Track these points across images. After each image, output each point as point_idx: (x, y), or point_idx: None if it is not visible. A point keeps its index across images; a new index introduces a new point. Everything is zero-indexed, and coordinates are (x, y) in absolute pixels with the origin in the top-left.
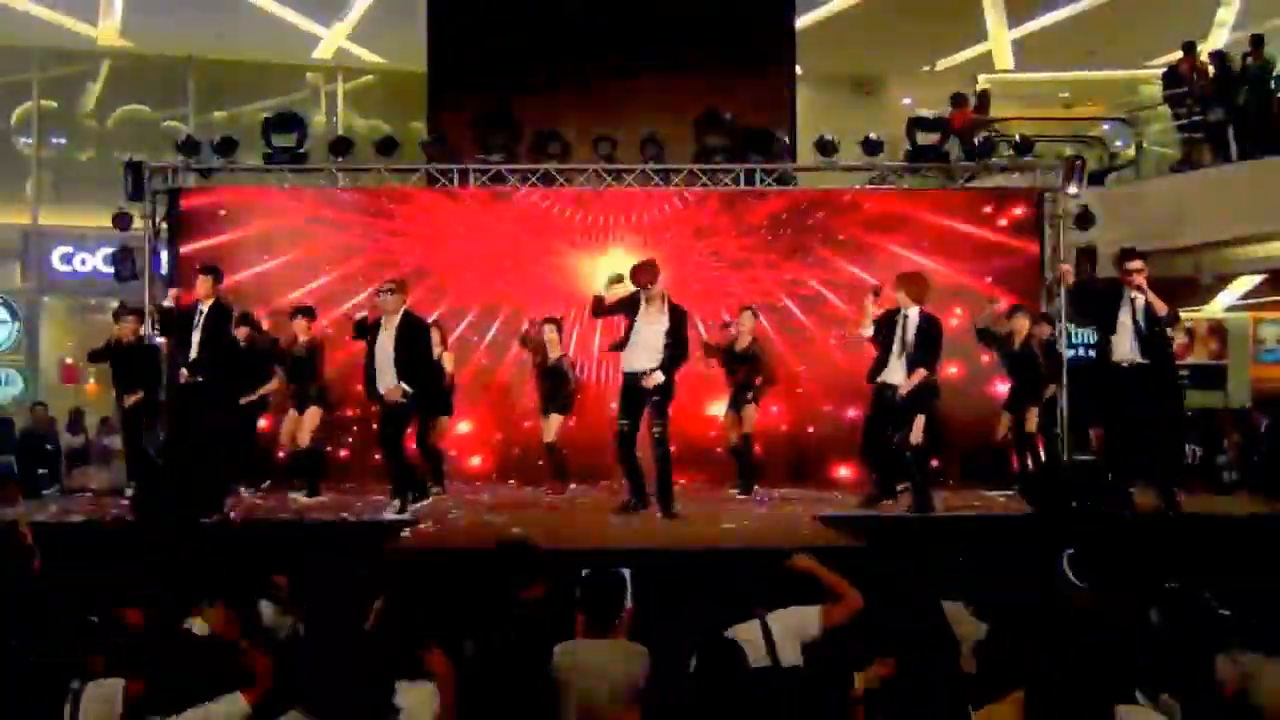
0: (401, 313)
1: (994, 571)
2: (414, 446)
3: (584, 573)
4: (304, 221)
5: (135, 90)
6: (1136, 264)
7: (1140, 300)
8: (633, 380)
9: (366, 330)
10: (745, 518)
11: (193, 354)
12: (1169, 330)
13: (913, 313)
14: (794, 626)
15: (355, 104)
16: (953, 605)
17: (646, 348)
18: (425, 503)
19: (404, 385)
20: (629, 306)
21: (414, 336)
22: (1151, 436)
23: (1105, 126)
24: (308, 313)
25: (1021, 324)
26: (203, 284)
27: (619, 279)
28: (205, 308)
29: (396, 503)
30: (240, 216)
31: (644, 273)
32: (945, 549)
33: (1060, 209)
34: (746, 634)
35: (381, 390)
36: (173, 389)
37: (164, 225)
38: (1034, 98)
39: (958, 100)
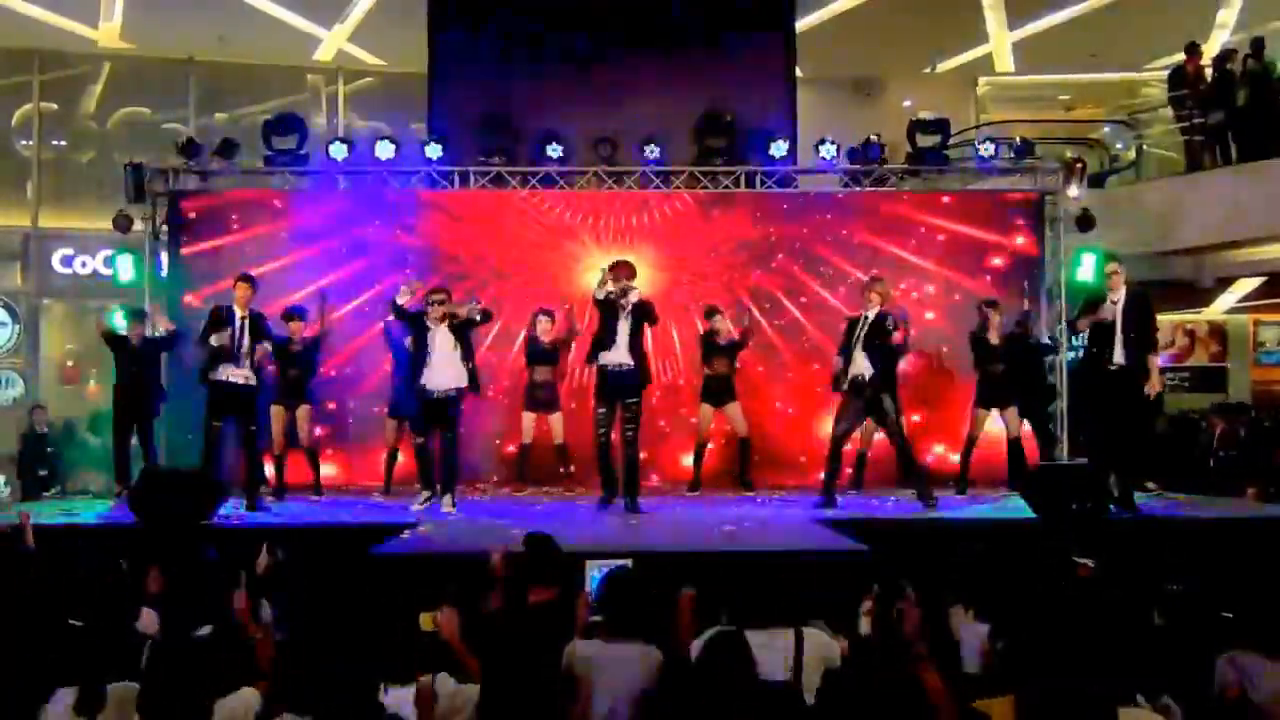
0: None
1: (996, 573)
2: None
3: (602, 571)
4: (304, 224)
5: (136, 92)
6: (1111, 266)
7: (1122, 303)
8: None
9: (409, 316)
10: (745, 520)
11: (245, 361)
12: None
13: (872, 313)
14: (821, 646)
15: (356, 106)
16: (954, 607)
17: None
18: (443, 507)
19: (466, 378)
20: (605, 306)
21: (470, 331)
22: (1126, 437)
23: (1106, 129)
24: (299, 313)
25: (994, 315)
26: (242, 290)
27: (603, 282)
28: (244, 314)
29: (448, 497)
30: (241, 219)
31: (623, 268)
32: (947, 551)
33: (1061, 211)
34: (776, 640)
35: (441, 386)
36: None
37: (164, 227)
38: (1034, 100)
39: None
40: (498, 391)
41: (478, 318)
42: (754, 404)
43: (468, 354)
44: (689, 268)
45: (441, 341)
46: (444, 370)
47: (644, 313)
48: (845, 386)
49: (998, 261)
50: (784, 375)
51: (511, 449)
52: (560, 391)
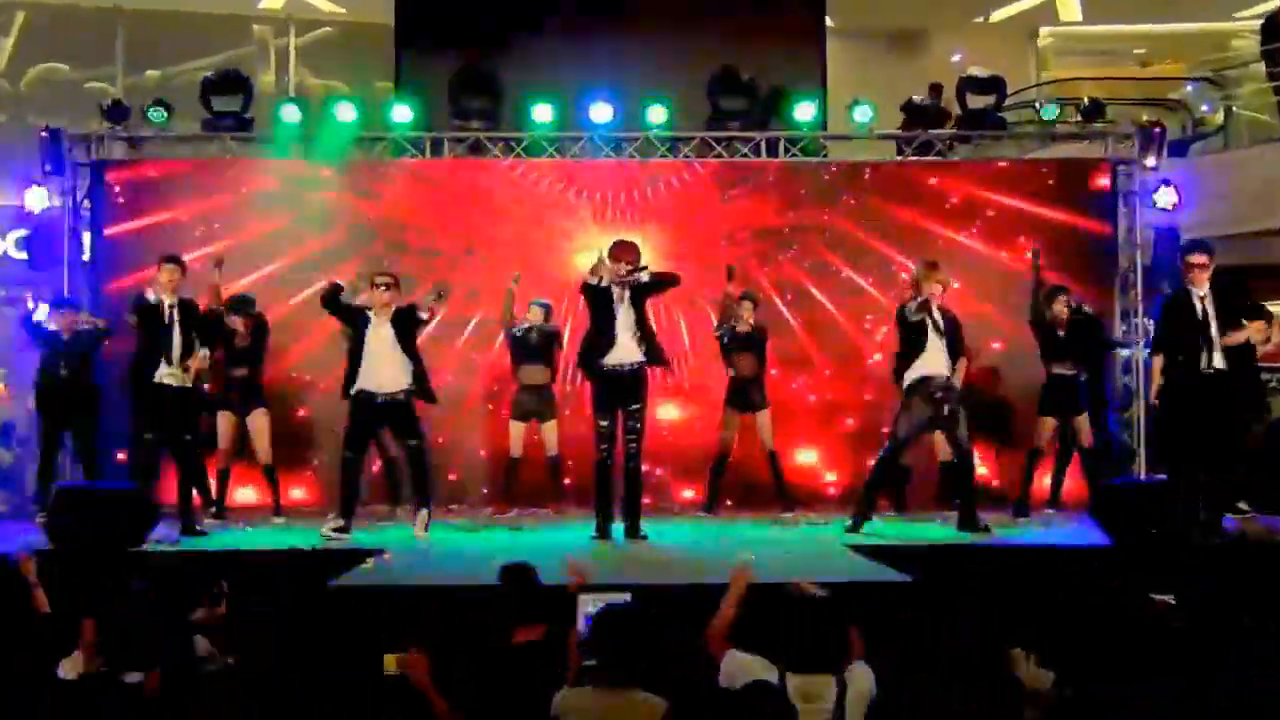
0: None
1: (1061, 609)
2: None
3: (598, 607)
4: (250, 198)
5: (54, 46)
6: (1196, 256)
7: (1209, 298)
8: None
9: (347, 310)
10: (769, 546)
11: (176, 355)
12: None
13: (935, 307)
14: (864, 690)
15: (309, 61)
16: (1014, 650)
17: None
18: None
19: (412, 377)
20: (599, 297)
21: (415, 325)
22: (1219, 452)
23: (1188, 88)
24: (244, 303)
25: (1062, 309)
26: (169, 274)
27: (600, 264)
28: (173, 301)
29: (424, 513)
30: (176, 192)
31: (627, 250)
32: (1005, 583)
33: (1136, 183)
34: (816, 685)
35: (388, 387)
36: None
37: (87, 203)
38: (1105, 54)
39: None
40: (476, 395)
41: (424, 315)
42: (772, 408)
43: (414, 353)
44: (701, 252)
45: (384, 335)
46: (388, 368)
47: (649, 289)
48: (913, 387)
49: (1061, 242)
50: (808, 375)
51: (449, 476)
52: (556, 395)
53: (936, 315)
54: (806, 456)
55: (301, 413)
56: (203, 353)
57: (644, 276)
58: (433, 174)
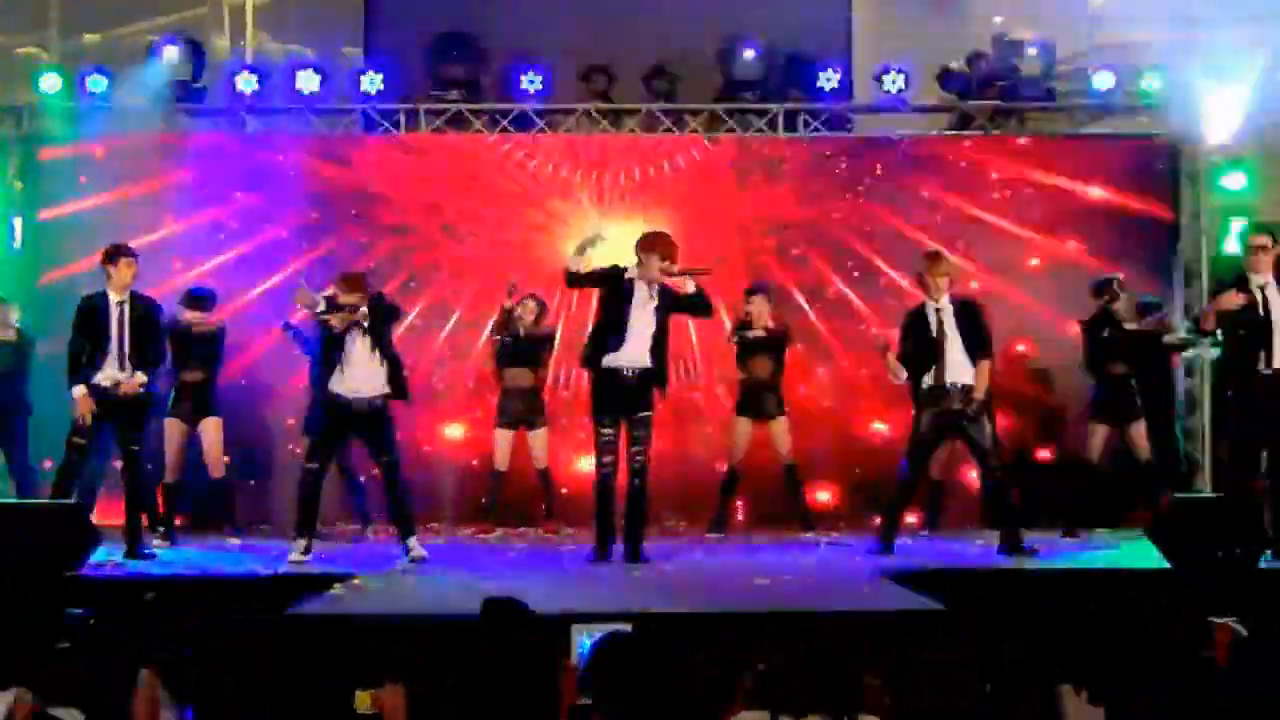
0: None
1: (1113, 640)
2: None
3: (594, 639)
4: (202, 178)
5: None
6: (1259, 239)
7: (1272, 288)
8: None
9: (333, 309)
10: (786, 570)
11: (124, 355)
12: None
13: (945, 303)
14: None
15: (269, 23)
16: (1063, 686)
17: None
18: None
19: (389, 383)
20: (614, 283)
21: (390, 321)
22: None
23: (1263, 55)
24: (203, 298)
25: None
26: (124, 269)
27: (591, 243)
28: (123, 298)
29: (413, 540)
30: (119, 171)
31: (665, 244)
32: (1052, 612)
33: (1202, 162)
34: None
35: (364, 392)
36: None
37: (18, 183)
38: (1169, 17)
39: None
40: (458, 398)
41: (366, 322)
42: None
43: (391, 352)
44: (712, 239)
45: (354, 335)
46: (366, 372)
47: (681, 305)
48: (921, 399)
49: (1117, 229)
50: (832, 377)
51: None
52: (546, 400)
53: (944, 315)
54: (828, 470)
55: (260, 421)
56: (139, 376)
57: (690, 287)
58: (408, 147)
